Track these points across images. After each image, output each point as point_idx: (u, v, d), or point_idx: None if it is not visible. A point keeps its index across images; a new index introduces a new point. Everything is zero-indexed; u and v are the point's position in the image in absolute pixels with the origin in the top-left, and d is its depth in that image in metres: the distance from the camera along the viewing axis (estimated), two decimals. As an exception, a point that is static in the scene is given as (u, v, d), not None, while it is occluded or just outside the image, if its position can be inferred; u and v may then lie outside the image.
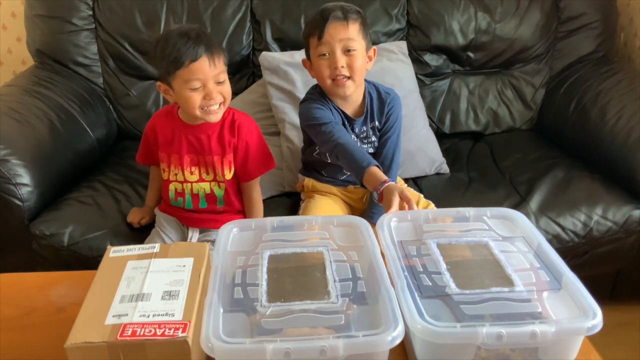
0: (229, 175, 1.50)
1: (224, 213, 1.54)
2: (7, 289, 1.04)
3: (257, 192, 1.56)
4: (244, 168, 1.50)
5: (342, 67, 1.45)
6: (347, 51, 1.46)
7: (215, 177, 1.50)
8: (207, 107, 1.40)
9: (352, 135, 1.57)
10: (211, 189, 1.51)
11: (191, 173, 1.49)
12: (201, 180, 1.50)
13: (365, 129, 1.58)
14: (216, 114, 1.42)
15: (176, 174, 1.50)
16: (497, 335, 0.74)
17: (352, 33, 1.45)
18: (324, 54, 1.47)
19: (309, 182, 1.66)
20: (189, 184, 1.50)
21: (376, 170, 1.34)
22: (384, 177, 1.31)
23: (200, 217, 1.54)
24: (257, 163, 1.51)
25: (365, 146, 1.59)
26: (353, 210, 1.66)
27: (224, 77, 1.41)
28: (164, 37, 1.39)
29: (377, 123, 1.58)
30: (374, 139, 1.60)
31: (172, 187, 1.52)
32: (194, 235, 1.54)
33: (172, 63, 1.35)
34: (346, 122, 1.56)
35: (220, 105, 1.42)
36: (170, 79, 1.38)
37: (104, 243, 1.56)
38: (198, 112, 1.40)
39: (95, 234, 1.59)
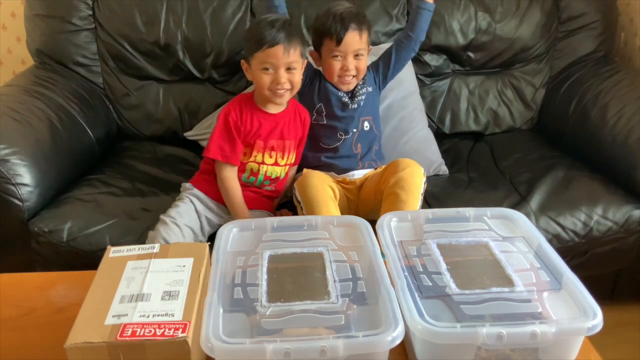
0: (293, 159, 1.69)
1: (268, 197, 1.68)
2: (7, 289, 1.04)
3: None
4: (298, 154, 1.71)
5: (352, 69, 1.65)
6: (356, 55, 1.64)
7: (287, 161, 1.65)
8: (275, 89, 1.54)
9: (340, 93, 1.69)
10: (280, 172, 1.66)
11: (270, 157, 1.62)
12: (276, 164, 1.64)
13: (362, 98, 1.71)
14: (282, 97, 1.56)
15: (255, 156, 1.61)
16: (497, 336, 0.74)
17: (363, 42, 1.65)
18: (337, 56, 1.64)
19: (307, 171, 1.70)
20: (265, 166, 1.62)
21: None
22: None
23: (250, 195, 1.64)
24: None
25: (358, 99, 1.71)
26: (349, 202, 1.67)
27: (297, 66, 1.54)
28: (257, 22, 1.59)
29: (370, 88, 1.73)
30: (364, 93, 1.72)
31: (248, 167, 1.62)
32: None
33: (254, 45, 1.52)
34: (346, 98, 1.70)
35: (287, 90, 1.55)
36: (251, 59, 1.55)
37: (103, 238, 1.56)
38: (267, 92, 1.55)
39: (94, 229, 1.59)
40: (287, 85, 1.54)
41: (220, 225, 1.57)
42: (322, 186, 1.55)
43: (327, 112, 1.70)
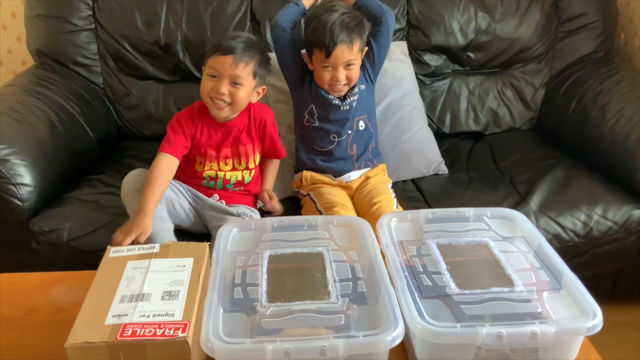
0: (257, 161, 1.65)
1: (242, 194, 1.66)
2: (7, 289, 1.04)
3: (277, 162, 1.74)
4: (273, 151, 1.67)
5: (343, 79, 1.62)
6: (347, 66, 1.61)
7: (247, 165, 1.62)
8: (214, 98, 1.50)
9: (340, 103, 1.67)
10: (242, 176, 1.63)
11: (226, 164, 1.61)
12: (234, 169, 1.62)
13: (354, 98, 1.68)
14: (220, 110, 1.52)
15: (211, 165, 1.60)
16: (497, 336, 0.74)
17: (354, 53, 1.60)
18: (327, 66, 1.61)
19: (307, 173, 1.70)
20: (223, 172, 1.61)
21: None
22: None
23: (221, 193, 1.63)
24: (280, 144, 1.68)
25: (351, 100, 1.68)
26: (353, 203, 1.68)
27: (244, 82, 1.50)
28: (226, 36, 1.63)
29: (362, 85, 1.70)
30: (357, 93, 1.69)
31: (206, 174, 1.61)
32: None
33: (210, 51, 1.53)
34: (337, 100, 1.67)
35: (228, 105, 1.52)
36: (206, 62, 1.53)
37: (104, 238, 1.55)
38: (206, 99, 1.52)
39: (94, 229, 1.58)
40: (227, 98, 1.49)
41: (195, 209, 1.59)
42: None
43: (319, 114, 1.68)
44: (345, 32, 1.56)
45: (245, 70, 1.49)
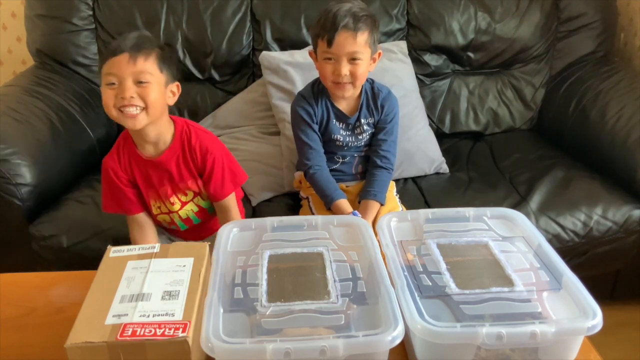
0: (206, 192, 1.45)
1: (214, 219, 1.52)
2: (7, 289, 1.04)
3: (233, 211, 1.46)
4: (211, 189, 1.41)
5: (345, 74, 1.48)
6: (352, 59, 1.47)
7: (195, 194, 1.44)
8: (122, 108, 1.25)
9: (341, 125, 1.60)
10: (197, 205, 1.46)
11: (172, 203, 1.43)
12: (184, 204, 1.44)
13: (358, 123, 1.61)
14: (134, 119, 1.27)
15: (159, 207, 1.44)
16: (497, 335, 0.74)
17: (359, 45, 1.46)
18: (330, 58, 1.48)
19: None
20: (176, 214, 1.45)
21: (342, 203, 1.54)
22: (350, 210, 1.52)
23: (193, 231, 1.51)
24: (224, 182, 1.42)
25: (356, 142, 1.63)
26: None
27: (149, 79, 1.26)
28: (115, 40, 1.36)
29: (370, 119, 1.62)
30: (366, 135, 1.63)
31: (160, 218, 1.47)
32: None
33: (102, 59, 1.30)
34: (334, 120, 1.60)
35: (141, 110, 1.27)
36: (101, 73, 1.28)
37: (104, 244, 1.53)
38: (114, 113, 1.27)
39: (94, 235, 1.59)
40: (137, 102, 1.24)
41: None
42: None
43: (326, 149, 1.62)
44: (350, 19, 1.44)
45: (147, 65, 1.25)
